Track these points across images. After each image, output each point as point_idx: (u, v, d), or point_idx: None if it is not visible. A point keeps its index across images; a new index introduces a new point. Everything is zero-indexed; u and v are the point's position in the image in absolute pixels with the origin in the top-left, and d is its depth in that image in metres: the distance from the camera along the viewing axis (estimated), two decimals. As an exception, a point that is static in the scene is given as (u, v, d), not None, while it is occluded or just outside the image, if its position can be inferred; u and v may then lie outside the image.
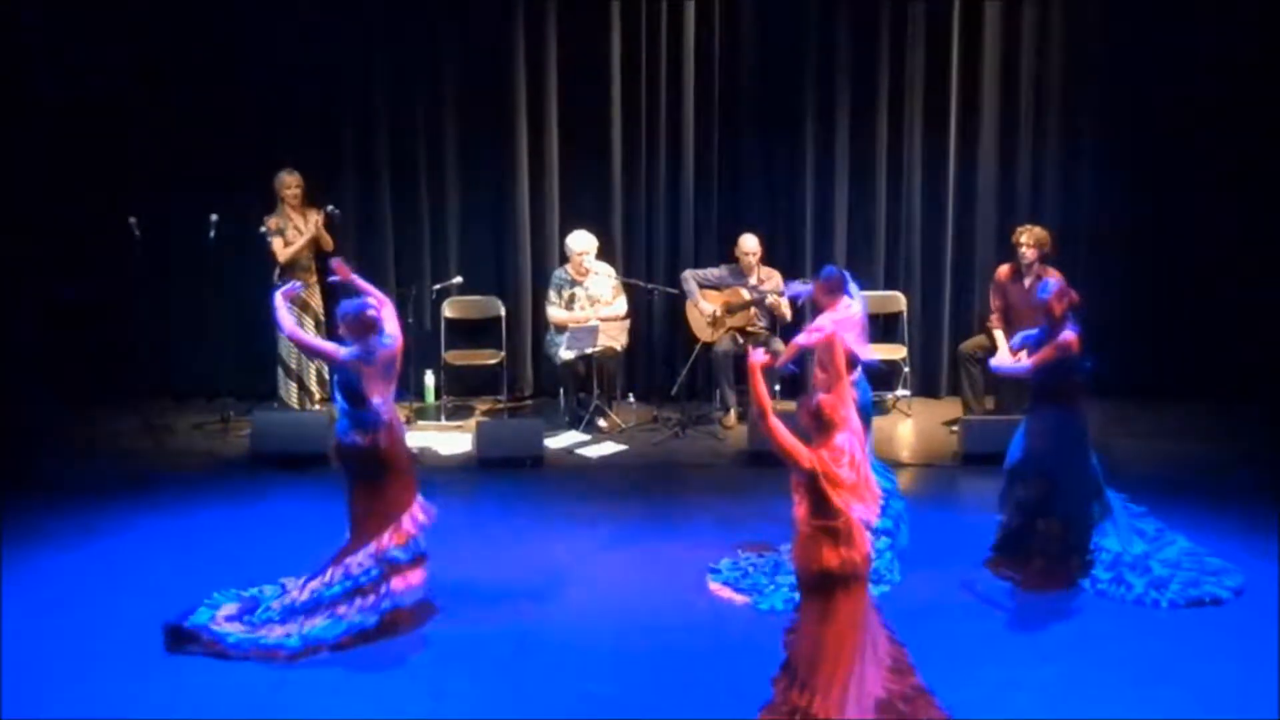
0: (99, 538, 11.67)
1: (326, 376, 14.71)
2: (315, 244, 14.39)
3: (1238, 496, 12.52)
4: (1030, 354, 10.77)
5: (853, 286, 10.94)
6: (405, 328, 14.68)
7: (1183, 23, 14.92)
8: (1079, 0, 15.27)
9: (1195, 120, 15.07)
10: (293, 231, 14.24)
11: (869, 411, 10.89)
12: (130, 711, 8.93)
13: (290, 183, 14.31)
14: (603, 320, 14.48)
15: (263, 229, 14.18)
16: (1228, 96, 14.98)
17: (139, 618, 10.10)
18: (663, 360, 15.42)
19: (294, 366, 14.42)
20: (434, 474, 13.39)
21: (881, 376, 15.25)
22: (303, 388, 14.52)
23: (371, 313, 9.80)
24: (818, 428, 8.25)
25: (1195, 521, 11.66)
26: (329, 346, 10.08)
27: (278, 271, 14.20)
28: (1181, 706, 8.93)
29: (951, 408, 15.20)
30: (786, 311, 14.73)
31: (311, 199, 14.42)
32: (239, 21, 14.85)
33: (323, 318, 14.55)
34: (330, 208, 14.36)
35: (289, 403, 14.37)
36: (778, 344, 14.53)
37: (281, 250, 14.19)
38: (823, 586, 8.01)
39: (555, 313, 14.63)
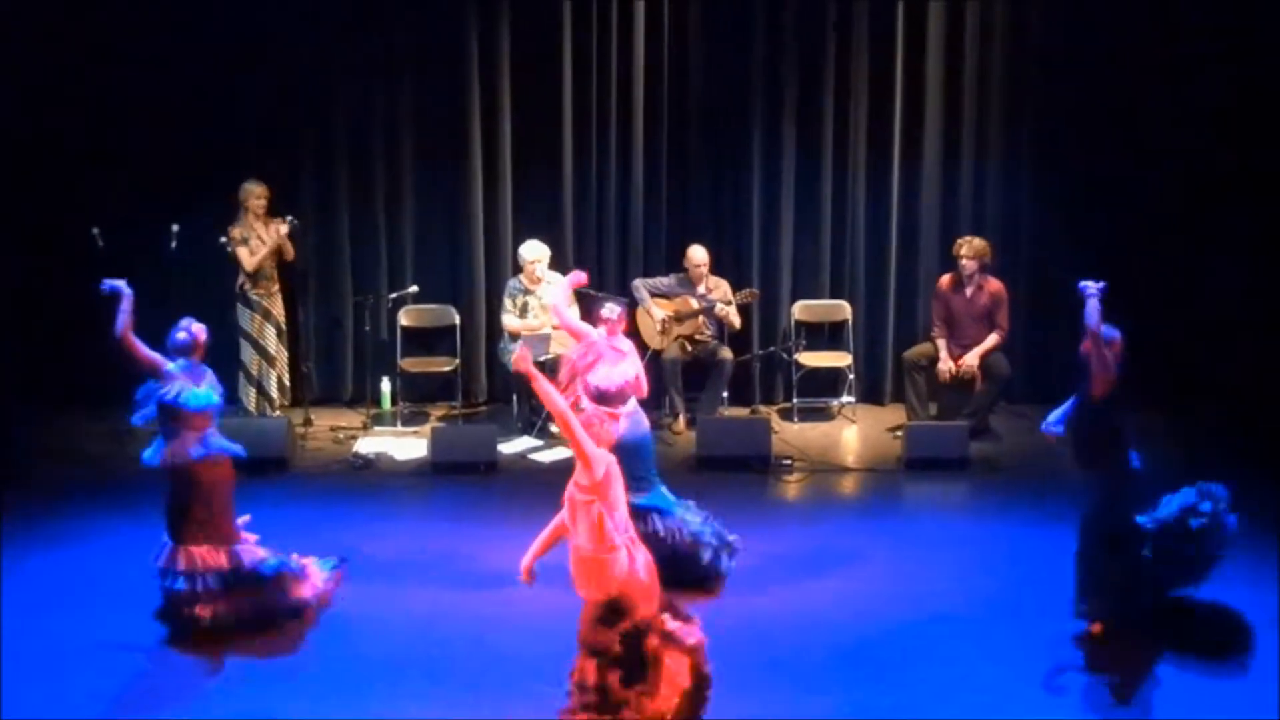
0: (66, 543, 11.80)
1: (287, 383, 14.99)
2: (277, 253, 14.54)
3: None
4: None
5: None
6: (363, 336, 15.00)
7: (1123, 37, 15.15)
8: (1021, 15, 15.45)
9: (1135, 135, 15.30)
10: (256, 241, 14.39)
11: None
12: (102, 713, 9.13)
13: (258, 192, 14.46)
14: (555, 328, 14.49)
15: (224, 239, 14.31)
16: (1169, 111, 15.21)
17: (107, 622, 10.26)
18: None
19: (254, 372, 14.54)
20: (389, 479, 13.68)
21: (828, 383, 15.71)
22: (262, 393, 14.64)
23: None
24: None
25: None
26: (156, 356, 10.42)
27: (241, 279, 14.41)
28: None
29: (895, 414, 15.37)
30: (735, 320, 14.95)
31: (272, 210, 14.58)
32: (200, 37, 14.93)
33: (284, 326, 14.78)
34: (290, 218, 14.52)
35: (249, 408, 14.52)
36: (725, 352, 14.94)
37: (248, 259, 14.32)
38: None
39: (509, 320, 14.76)
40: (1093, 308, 9.75)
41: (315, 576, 10.50)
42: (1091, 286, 9.82)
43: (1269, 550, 11.43)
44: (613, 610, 8.37)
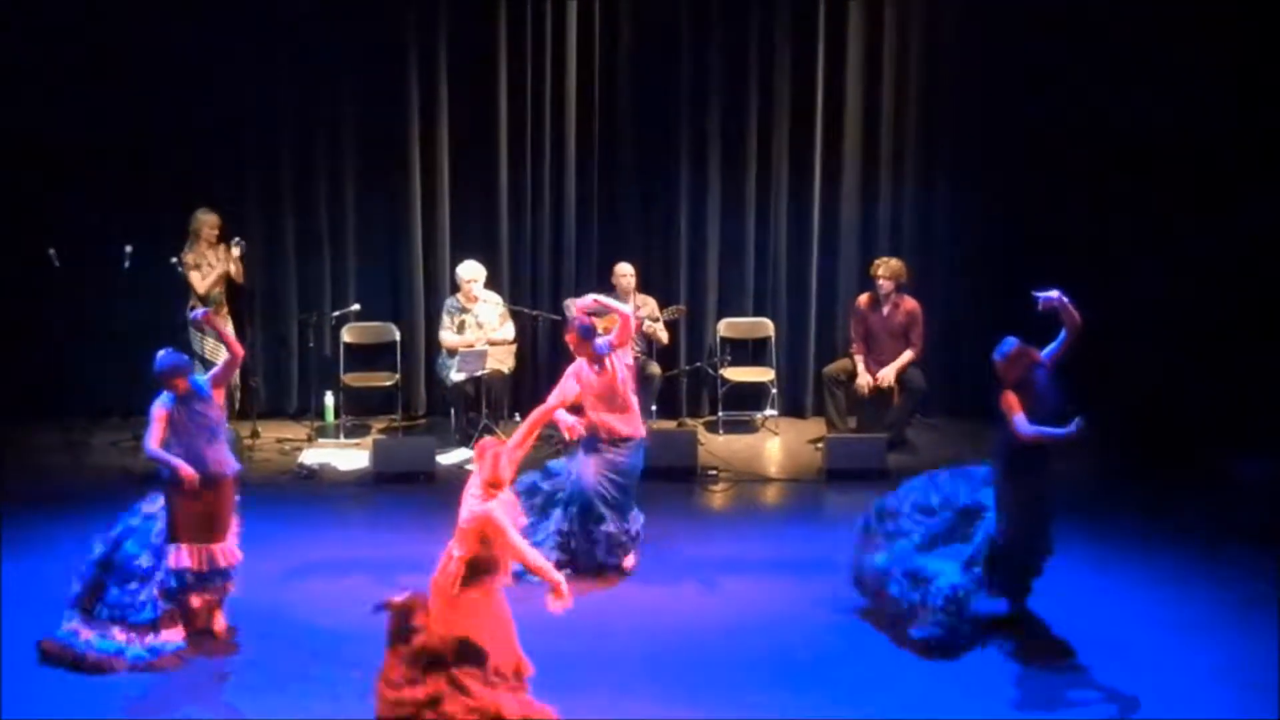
0: (22, 552, 11.87)
1: (237, 397, 15.17)
2: (226, 278, 14.80)
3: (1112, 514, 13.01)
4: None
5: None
6: (307, 352, 15.06)
7: (1036, 62, 15.47)
8: (937, 42, 15.83)
9: (1047, 158, 15.61)
10: (206, 267, 14.65)
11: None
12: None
13: (210, 221, 14.72)
14: (491, 344, 14.89)
15: (174, 260, 14.49)
16: (1080, 134, 15.55)
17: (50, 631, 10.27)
18: (546, 382, 14.71)
19: None
20: (333, 488, 13.87)
21: (751, 397, 15.97)
22: None
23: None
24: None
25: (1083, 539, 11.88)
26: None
27: (192, 303, 14.52)
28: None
29: (816, 427, 15.67)
30: (663, 335, 15.24)
31: (222, 236, 14.80)
32: (152, 69, 15.14)
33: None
34: (237, 240, 14.76)
35: None
36: (654, 367, 15.17)
37: (200, 282, 14.57)
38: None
39: (446, 337, 15.01)
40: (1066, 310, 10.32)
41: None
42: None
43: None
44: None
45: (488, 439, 9.01)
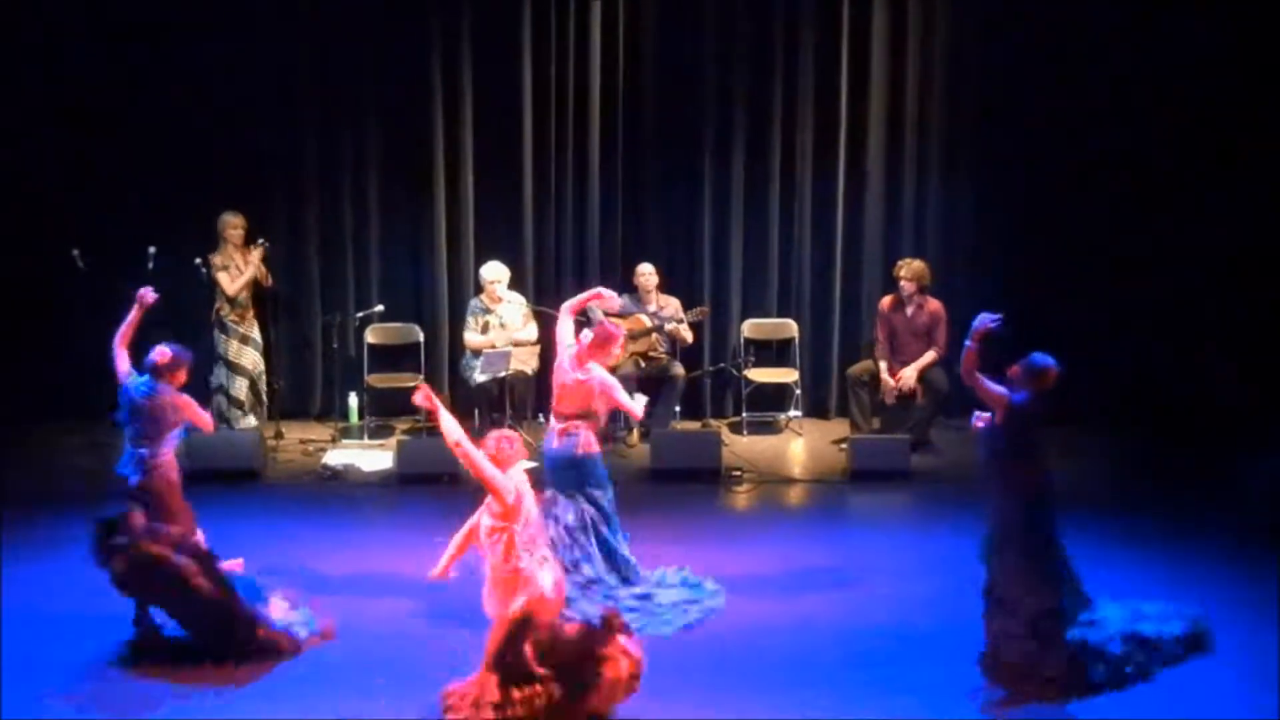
0: (49, 551, 11.91)
1: (264, 397, 15.25)
2: (254, 281, 14.88)
3: (1122, 519, 12.84)
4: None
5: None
6: (331, 353, 15.15)
7: (1060, 66, 15.54)
8: (961, 45, 15.84)
9: (1069, 158, 15.70)
10: (235, 269, 14.74)
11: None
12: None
13: (234, 223, 14.82)
14: (515, 345, 14.94)
15: (198, 260, 14.59)
16: (1101, 137, 15.62)
17: (75, 633, 10.41)
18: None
19: (240, 395, 14.92)
20: (357, 489, 13.92)
21: (775, 398, 16.05)
22: (234, 402, 14.91)
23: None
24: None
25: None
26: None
27: (219, 304, 14.73)
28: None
29: (840, 427, 15.74)
30: (688, 336, 15.30)
31: (248, 238, 14.90)
32: (173, 70, 15.26)
33: (262, 347, 15.11)
34: (261, 241, 14.87)
35: (238, 420, 14.88)
36: (677, 368, 15.26)
37: (229, 284, 14.67)
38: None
39: (471, 338, 15.09)
40: (968, 349, 9.71)
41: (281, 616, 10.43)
42: (976, 328, 9.75)
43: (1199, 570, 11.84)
44: (520, 628, 8.72)
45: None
